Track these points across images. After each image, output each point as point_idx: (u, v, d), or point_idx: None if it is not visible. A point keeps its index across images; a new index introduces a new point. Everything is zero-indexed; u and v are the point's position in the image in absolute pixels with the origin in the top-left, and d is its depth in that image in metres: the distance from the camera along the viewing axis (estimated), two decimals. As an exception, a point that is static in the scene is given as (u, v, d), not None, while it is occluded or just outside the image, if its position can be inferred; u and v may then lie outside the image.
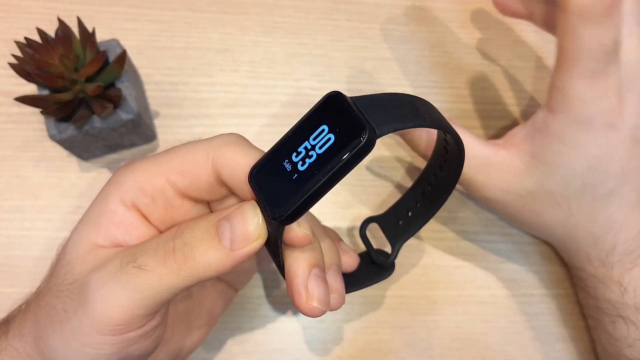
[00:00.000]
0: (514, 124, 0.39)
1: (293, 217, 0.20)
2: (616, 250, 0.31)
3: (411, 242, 0.36)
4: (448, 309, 0.36)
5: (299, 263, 0.22)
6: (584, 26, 0.26)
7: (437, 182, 0.30)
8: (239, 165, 0.22)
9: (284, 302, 0.35)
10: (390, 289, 0.36)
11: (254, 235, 0.21)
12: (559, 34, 0.27)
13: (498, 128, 0.39)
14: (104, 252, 0.23)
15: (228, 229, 0.21)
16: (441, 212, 0.35)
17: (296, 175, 0.19)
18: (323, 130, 0.19)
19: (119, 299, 0.21)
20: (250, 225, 0.21)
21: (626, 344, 0.31)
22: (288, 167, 0.20)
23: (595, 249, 0.32)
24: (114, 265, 0.22)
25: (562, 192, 0.30)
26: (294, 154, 0.20)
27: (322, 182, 0.19)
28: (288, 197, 0.19)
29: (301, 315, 0.35)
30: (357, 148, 0.18)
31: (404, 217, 0.32)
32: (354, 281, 0.29)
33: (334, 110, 0.19)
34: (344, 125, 0.19)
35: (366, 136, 0.18)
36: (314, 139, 0.19)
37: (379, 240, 0.33)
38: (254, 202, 0.22)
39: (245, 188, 0.22)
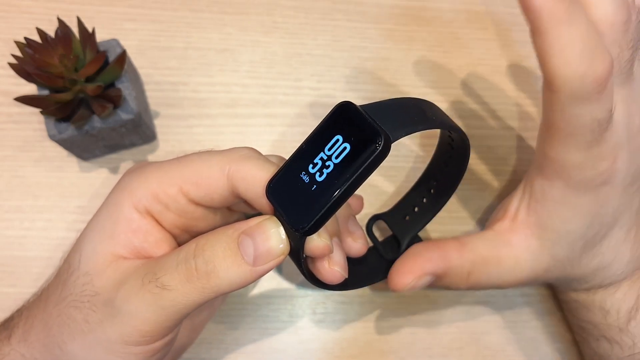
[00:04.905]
0: (513, 124, 0.39)
1: (317, 226, 0.20)
2: (603, 283, 0.31)
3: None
4: (448, 309, 0.36)
5: (320, 233, 0.23)
6: (576, 105, 0.23)
7: (443, 177, 0.30)
8: (255, 180, 0.22)
9: (284, 302, 0.35)
10: (390, 289, 0.36)
11: (277, 252, 0.22)
12: (547, 109, 0.25)
13: (497, 129, 0.39)
14: (124, 265, 0.23)
15: (250, 245, 0.21)
16: (441, 212, 0.35)
17: (315, 186, 0.20)
18: (337, 140, 0.20)
19: (146, 314, 0.22)
20: (273, 241, 0.22)
21: None
22: (306, 179, 0.20)
23: (583, 284, 0.32)
24: (136, 281, 0.22)
25: (567, 257, 0.29)
26: (310, 165, 0.20)
27: (342, 190, 0.19)
28: (309, 207, 0.20)
29: (300, 315, 0.35)
30: (375, 154, 0.19)
31: (411, 213, 0.32)
32: (365, 277, 0.30)
33: (346, 119, 0.20)
34: (359, 133, 0.19)
35: (382, 142, 0.19)
36: (329, 150, 0.20)
37: (386, 234, 0.33)
38: (274, 218, 0.22)
39: (262, 201, 0.22)
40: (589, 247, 0.29)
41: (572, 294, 0.33)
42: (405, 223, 0.32)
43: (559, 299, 0.35)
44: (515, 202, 0.30)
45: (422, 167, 0.32)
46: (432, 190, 0.31)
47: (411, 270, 0.29)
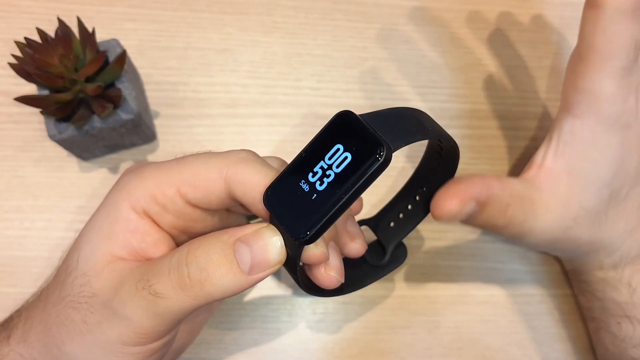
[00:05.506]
0: (514, 124, 0.39)
1: (317, 235, 0.20)
2: (631, 254, 0.31)
3: (411, 242, 0.36)
4: (448, 309, 0.36)
5: (316, 242, 0.22)
6: (619, 21, 0.26)
7: (430, 185, 0.30)
8: (253, 184, 0.22)
9: (284, 302, 0.35)
10: (390, 289, 0.36)
11: (275, 261, 0.22)
12: (587, 32, 0.27)
13: (497, 128, 0.39)
14: (120, 266, 0.23)
15: (247, 253, 0.21)
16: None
17: (315, 195, 0.20)
18: (338, 149, 0.20)
19: (141, 318, 0.22)
20: (271, 251, 0.21)
21: (631, 344, 0.31)
22: (305, 187, 0.20)
23: (612, 256, 0.31)
24: (130, 286, 0.22)
25: (595, 207, 0.29)
26: (310, 174, 0.20)
27: (344, 199, 0.19)
28: (309, 216, 0.20)
29: (300, 315, 0.35)
30: (377, 164, 0.19)
31: (396, 219, 0.32)
32: (350, 282, 0.30)
33: (346, 129, 0.20)
34: (360, 143, 0.19)
35: (384, 153, 0.19)
36: (329, 159, 0.20)
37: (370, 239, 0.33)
38: (272, 227, 0.22)
39: (259, 206, 0.22)
40: (615, 201, 0.29)
41: (598, 272, 0.32)
42: (390, 229, 0.32)
43: (581, 282, 0.34)
44: (542, 151, 0.30)
45: (411, 170, 0.32)
46: (417, 198, 0.31)
47: (456, 193, 0.26)
